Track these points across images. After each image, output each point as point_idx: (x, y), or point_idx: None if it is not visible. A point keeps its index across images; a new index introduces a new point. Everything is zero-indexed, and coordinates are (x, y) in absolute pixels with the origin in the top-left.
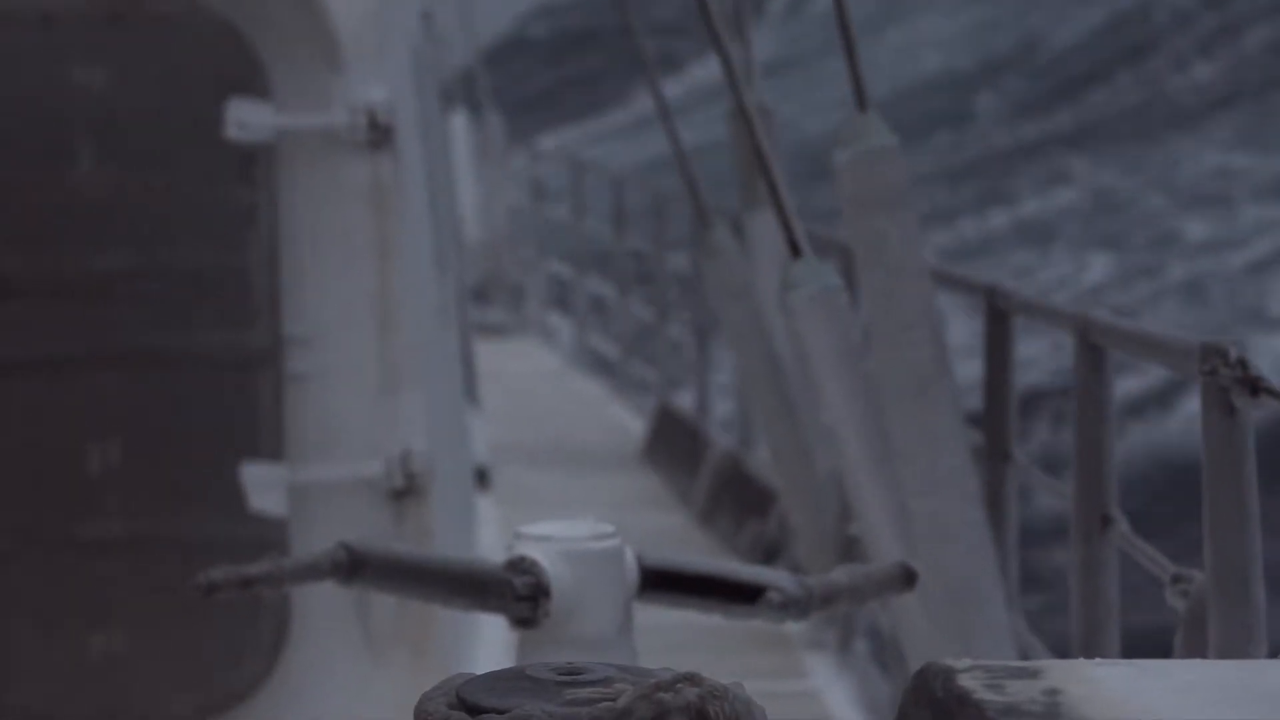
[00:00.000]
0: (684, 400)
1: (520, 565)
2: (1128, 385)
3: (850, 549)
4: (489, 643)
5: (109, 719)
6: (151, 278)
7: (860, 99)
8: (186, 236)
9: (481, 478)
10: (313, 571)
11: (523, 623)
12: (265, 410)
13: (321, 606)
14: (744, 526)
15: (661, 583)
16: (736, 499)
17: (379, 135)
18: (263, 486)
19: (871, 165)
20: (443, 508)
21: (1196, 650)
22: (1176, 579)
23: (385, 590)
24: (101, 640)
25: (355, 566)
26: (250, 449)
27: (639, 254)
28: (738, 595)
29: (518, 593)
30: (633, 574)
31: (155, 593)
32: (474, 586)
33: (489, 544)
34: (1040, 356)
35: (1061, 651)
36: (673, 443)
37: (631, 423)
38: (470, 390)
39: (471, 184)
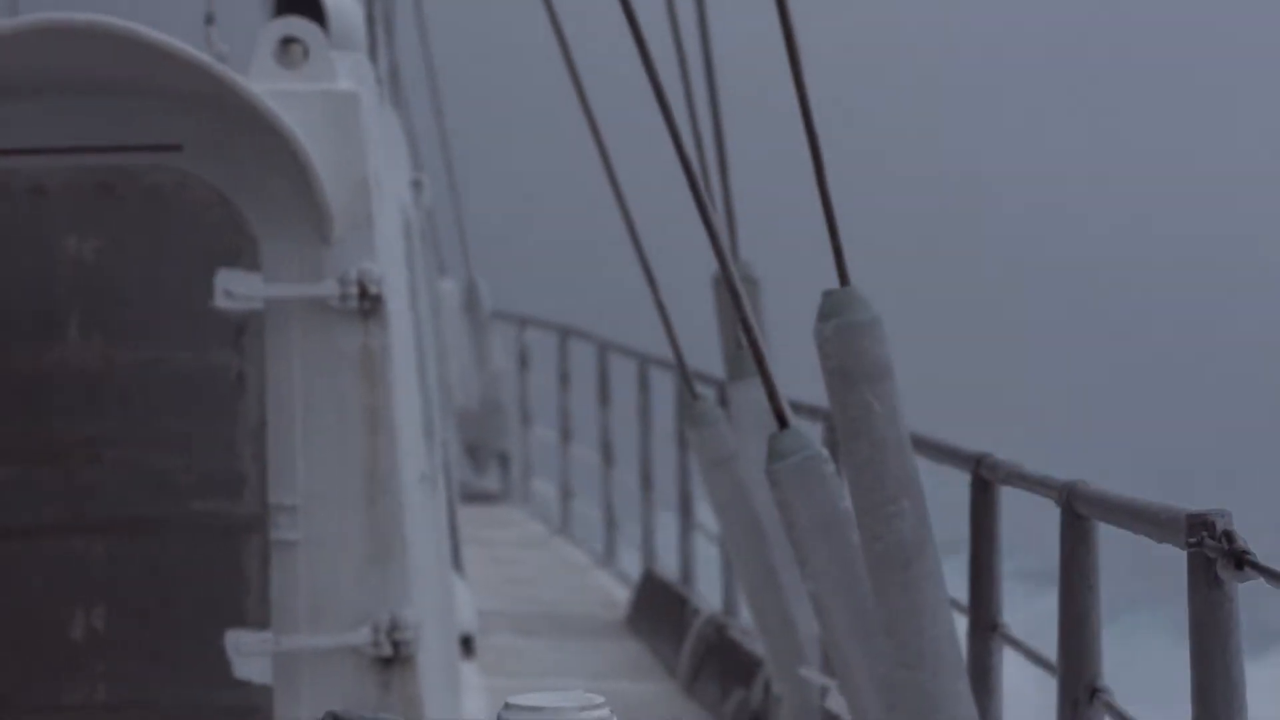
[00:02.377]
0: (669, 567)
1: None
2: None
3: (834, 718)
4: None
5: None
6: (138, 445)
7: (842, 273)
8: (174, 404)
9: (466, 645)
10: None
11: None
12: (252, 577)
13: None
14: (729, 694)
15: None
16: (721, 666)
17: (369, 305)
18: (248, 653)
19: (854, 338)
20: (429, 676)
21: None
22: None
23: None
24: None
25: None
26: (236, 616)
27: (624, 421)
28: None
29: None
30: None
31: None
32: None
33: (474, 712)
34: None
35: None
36: (658, 609)
37: (616, 590)
38: (455, 557)
39: (459, 350)
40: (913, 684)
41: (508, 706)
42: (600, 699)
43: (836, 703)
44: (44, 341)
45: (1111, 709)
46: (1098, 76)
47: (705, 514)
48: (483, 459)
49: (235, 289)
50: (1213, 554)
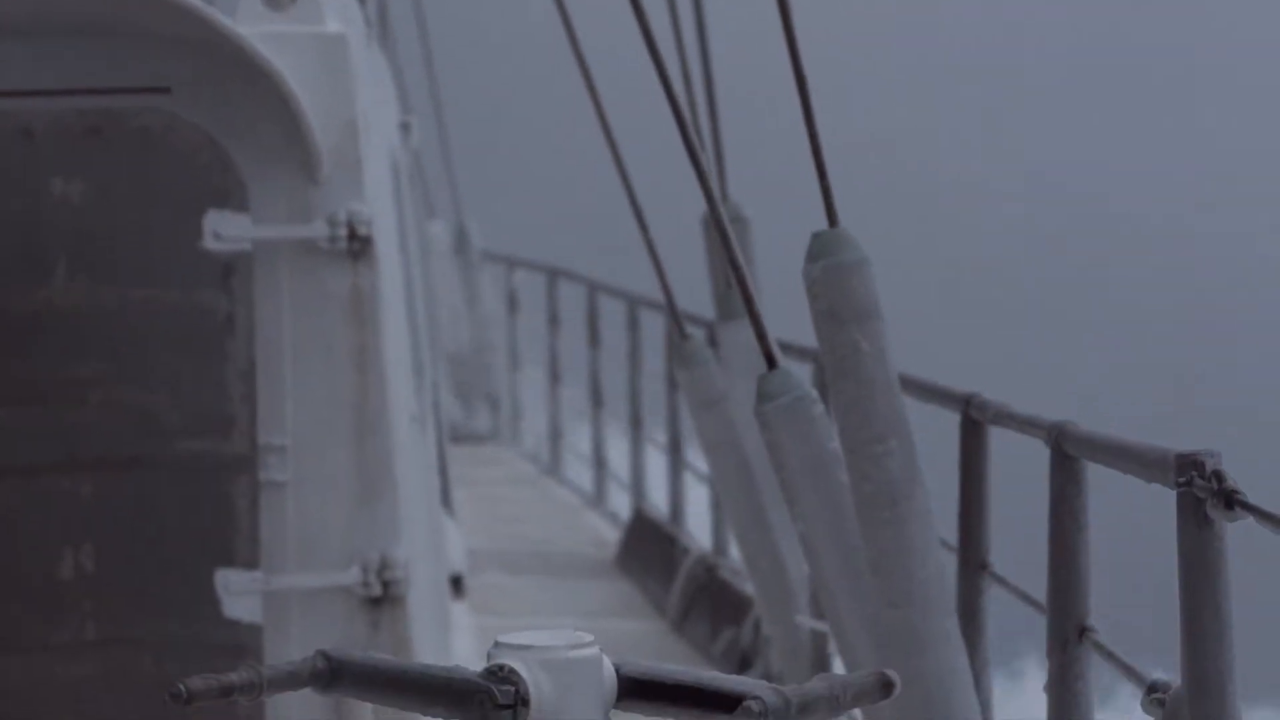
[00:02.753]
0: (659, 507)
1: (500, 674)
2: None
3: (824, 658)
4: None
5: None
6: (126, 386)
7: (830, 213)
8: (163, 345)
9: (456, 585)
10: (292, 680)
11: None
12: (241, 517)
13: (297, 713)
14: (718, 634)
15: (640, 692)
16: (711, 606)
17: (358, 246)
18: (238, 592)
19: (842, 279)
20: (418, 615)
21: None
22: (1152, 688)
23: (364, 698)
24: None
25: (334, 675)
26: (225, 555)
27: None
28: (715, 704)
29: (497, 701)
30: (611, 683)
31: (130, 696)
32: (453, 695)
33: (464, 651)
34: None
35: None
36: (647, 549)
37: (605, 530)
38: (445, 498)
39: (448, 291)
40: (901, 623)
41: (497, 645)
42: (589, 637)
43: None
44: (31, 283)
45: (1101, 648)
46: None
47: (695, 455)
48: (472, 400)
49: (224, 230)
50: (1202, 494)
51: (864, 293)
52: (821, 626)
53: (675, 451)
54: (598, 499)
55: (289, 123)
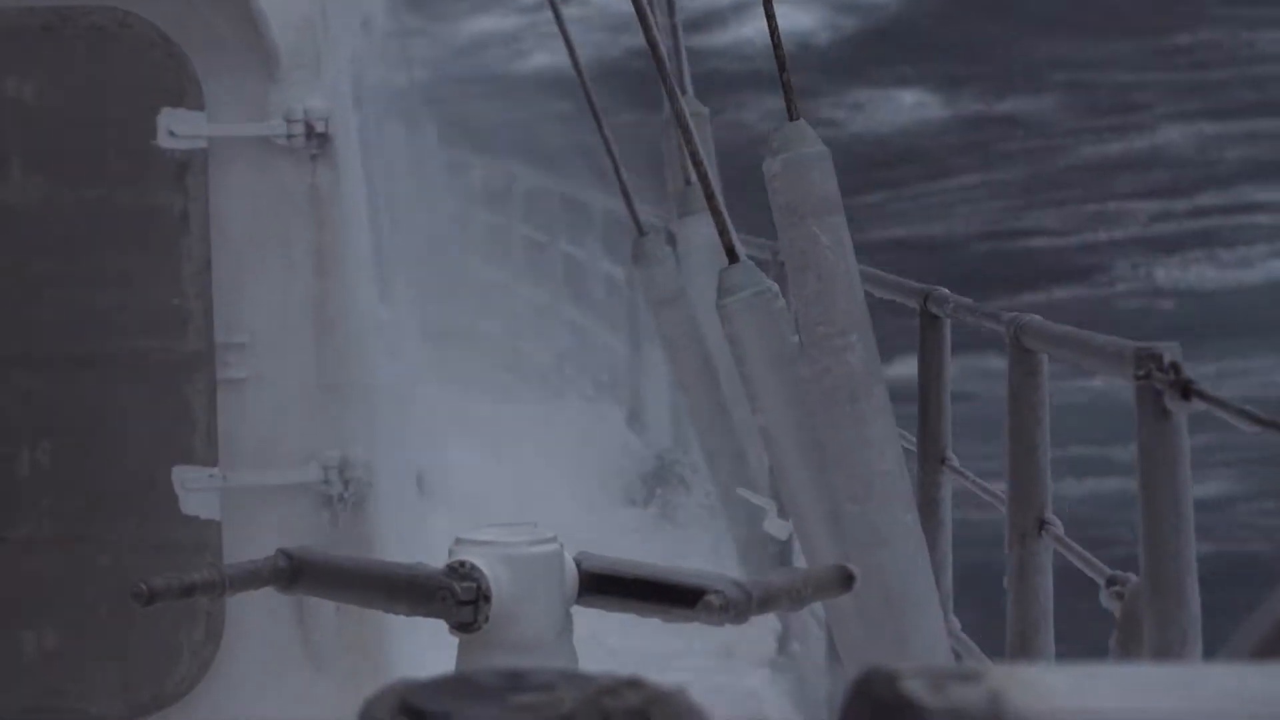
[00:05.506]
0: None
1: (461, 570)
2: None
3: (784, 552)
4: (429, 647)
5: (40, 716)
6: (82, 284)
7: (790, 107)
8: (117, 243)
9: (418, 482)
10: (253, 579)
11: (463, 627)
12: (198, 415)
13: (258, 610)
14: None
15: (601, 587)
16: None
17: (316, 144)
18: (195, 489)
19: (802, 172)
20: (381, 513)
21: (1132, 652)
22: (1111, 581)
23: (326, 596)
24: (33, 638)
25: (295, 573)
26: (183, 453)
27: (572, 259)
28: (677, 599)
29: (458, 597)
30: (572, 578)
31: (87, 592)
32: (415, 592)
33: (426, 548)
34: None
35: (996, 655)
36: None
37: (567, 427)
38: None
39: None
40: (861, 517)
41: (458, 541)
42: (551, 533)
43: (775, 526)
44: None
45: (1060, 541)
46: None
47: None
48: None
49: (178, 128)
50: (1160, 385)
51: (824, 186)
52: (768, 504)
53: (634, 349)
54: (557, 396)
55: (245, 19)
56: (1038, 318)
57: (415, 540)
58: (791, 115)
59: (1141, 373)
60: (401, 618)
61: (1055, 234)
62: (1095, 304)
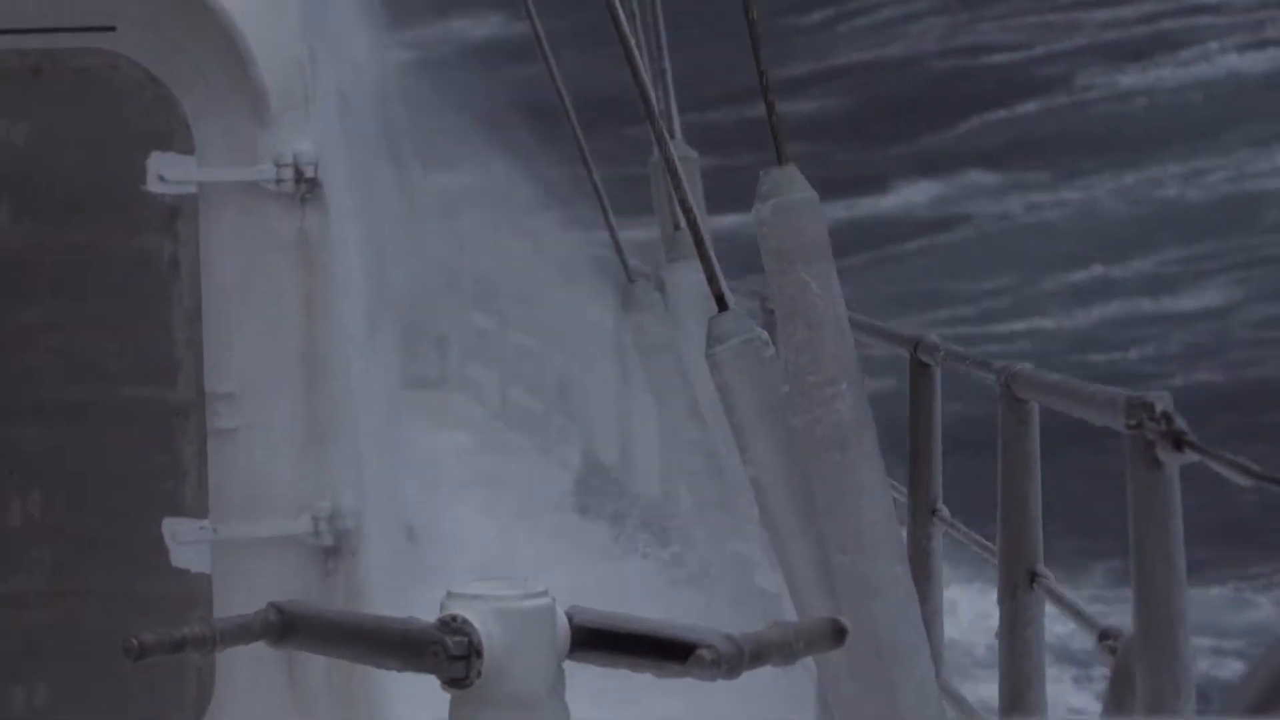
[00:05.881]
0: (608, 452)
1: (452, 625)
2: None
3: (774, 603)
4: (416, 699)
5: None
6: (72, 331)
7: (779, 151)
8: (107, 289)
9: (409, 534)
10: (244, 633)
11: (455, 682)
12: (188, 465)
13: (248, 663)
14: None
15: (593, 641)
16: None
17: (306, 188)
18: (186, 541)
19: (791, 218)
20: (372, 565)
21: (1126, 707)
22: (1104, 635)
23: (318, 651)
24: (23, 693)
25: (287, 627)
26: (173, 504)
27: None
28: (669, 653)
29: (450, 652)
30: (564, 632)
31: (78, 646)
32: (407, 647)
33: (417, 601)
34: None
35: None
36: (598, 494)
37: (557, 475)
38: (396, 444)
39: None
40: (852, 568)
41: (449, 595)
42: (542, 586)
43: (767, 579)
44: None
45: (1051, 593)
46: None
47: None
48: (420, 344)
49: (168, 173)
50: (1152, 435)
51: (813, 232)
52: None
53: (624, 397)
54: (546, 444)
55: (234, 62)
56: (1029, 366)
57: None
58: (780, 159)
59: (1133, 422)
60: (391, 672)
61: (1012, 49)
62: (1064, 114)
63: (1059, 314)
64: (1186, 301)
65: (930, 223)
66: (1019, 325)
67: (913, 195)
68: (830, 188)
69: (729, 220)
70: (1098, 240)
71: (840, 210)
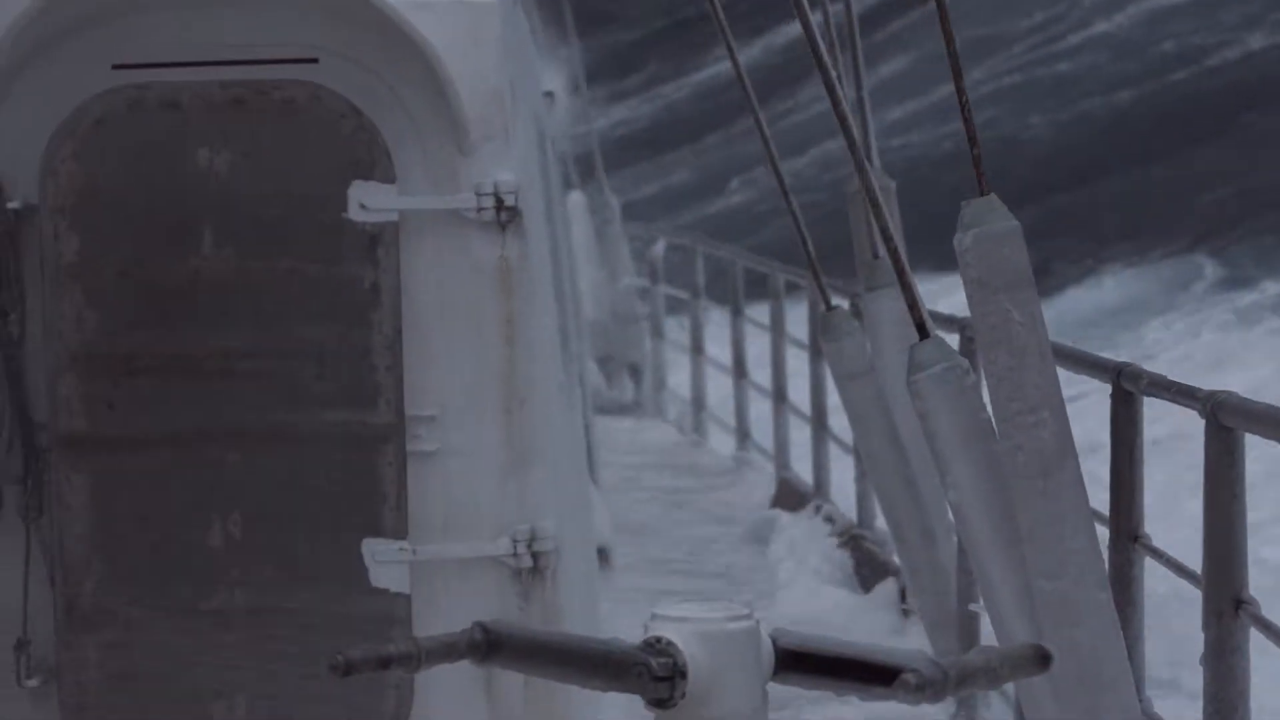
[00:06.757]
0: (802, 477)
1: (657, 646)
2: None
3: (973, 629)
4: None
5: None
6: (274, 356)
7: (981, 181)
8: (309, 316)
9: (603, 556)
10: (449, 651)
11: (659, 703)
12: (388, 488)
13: (446, 682)
14: None
15: (797, 663)
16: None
17: (505, 216)
18: (385, 562)
19: (994, 247)
20: (568, 586)
21: None
22: None
23: (521, 670)
24: (223, 709)
25: (491, 646)
26: (373, 526)
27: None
28: (873, 677)
29: (655, 673)
30: (768, 655)
31: (277, 664)
32: (611, 667)
33: (612, 623)
34: None
35: None
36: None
37: (750, 501)
38: (591, 468)
39: (589, 263)
40: (1054, 594)
41: (654, 617)
42: (746, 609)
43: (966, 604)
44: (179, 255)
45: (1258, 620)
46: None
47: (838, 425)
48: (614, 371)
49: (369, 201)
50: None
51: (1015, 261)
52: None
53: (819, 422)
54: (740, 469)
55: (436, 92)
56: (1235, 394)
57: (599, 612)
58: (982, 190)
59: None
60: (589, 691)
61: None
62: None
63: None
64: None
65: None
66: None
67: None
68: None
69: None
70: None
71: None
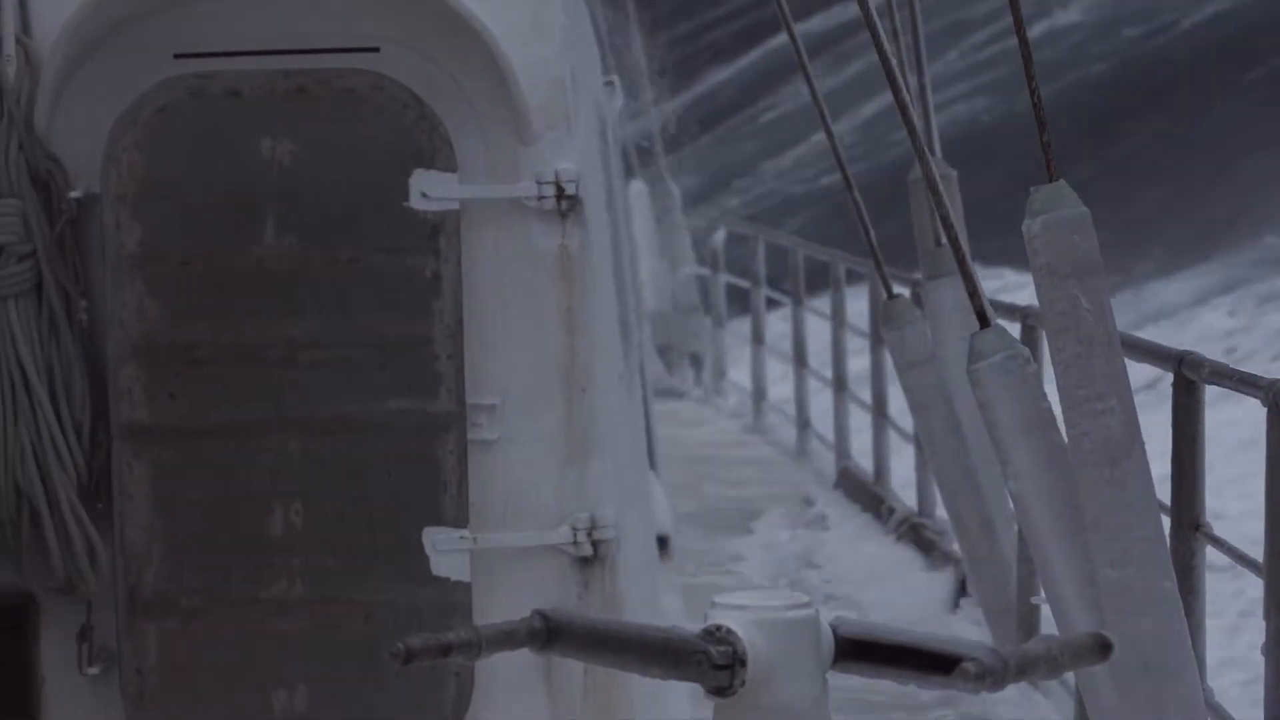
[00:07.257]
0: (863, 466)
1: (717, 634)
2: None
3: (1032, 618)
4: (674, 708)
5: None
6: (335, 345)
7: (1050, 167)
8: (371, 305)
9: (662, 545)
10: (509, 639)
11: (719, 691)
12: (449, 476)
13: (506, 670)
14: None
15: (857, 652)
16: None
17: (567, 205)
18: (446, 550)
19: (1063, 234)
20: (628, 575)
21: None
22: None
23: (580, 658)
24: (284, 697)
25: (552, 635)
26: (434, 514)
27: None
28: (933, 665)
29: (715, 661)
30: (828, 643)
31: (338, 652)
32: (671, 655)
33: (672, 611)
34: None
35: None
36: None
37: (811, 488)
38: (651, 457)
39: (650, 252)
40: (1119, 582)
41: (713, 605)
42: (806, 597)
43: (1027, 593)
44: (242, 244)
45: None
46: None
47: (898, 413)
48: (675, 359)
49: (431, 190)
50: None
51: (1084, 248)
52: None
53: (879, 410)
54: (801, 457)
55: (497, 81)
56: None
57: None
58: (1051, 176)
59: None
60: (648, 681)
61: None
62: None
63: None
64: None
65: None
66: None
67: None
68: None
69: None
70: None
71: None
